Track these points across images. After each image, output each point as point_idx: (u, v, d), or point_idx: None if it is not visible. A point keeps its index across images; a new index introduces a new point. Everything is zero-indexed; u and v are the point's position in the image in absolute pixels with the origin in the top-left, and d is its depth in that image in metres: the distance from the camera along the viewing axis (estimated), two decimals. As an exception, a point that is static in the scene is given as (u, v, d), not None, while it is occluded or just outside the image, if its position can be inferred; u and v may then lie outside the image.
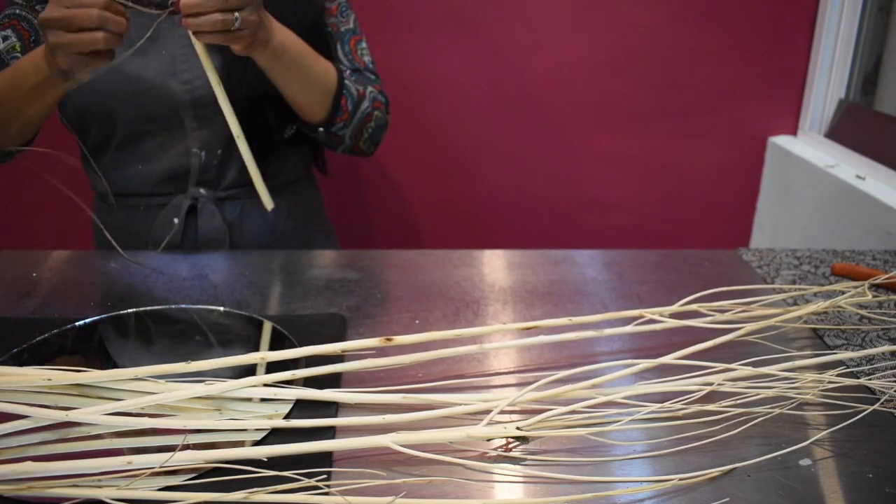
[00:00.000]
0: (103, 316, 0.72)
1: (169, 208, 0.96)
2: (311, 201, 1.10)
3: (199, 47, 0.79)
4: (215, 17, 0.75)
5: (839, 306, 0.69)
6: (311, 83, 0.91)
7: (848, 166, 1.35)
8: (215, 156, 0.96)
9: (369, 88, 1.00)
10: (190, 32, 0.77)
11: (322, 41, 0.98)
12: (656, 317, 0.65)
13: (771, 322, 0.66)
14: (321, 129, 0.96)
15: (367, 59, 1.04)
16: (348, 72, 0.99)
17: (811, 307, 0.67)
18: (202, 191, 0.97)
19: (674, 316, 0.66)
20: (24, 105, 0.83)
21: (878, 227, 1.16)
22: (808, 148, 1.49)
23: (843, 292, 0.72)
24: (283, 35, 0.85)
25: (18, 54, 0.89)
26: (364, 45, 1.04)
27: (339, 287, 0.81)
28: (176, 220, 0.96)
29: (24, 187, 1.55)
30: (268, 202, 0.86)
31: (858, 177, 1.27)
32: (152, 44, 0.91)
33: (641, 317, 0.66)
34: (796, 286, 0.80)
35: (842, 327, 0.72)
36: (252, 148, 0.87)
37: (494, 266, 0.87)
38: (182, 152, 0.95)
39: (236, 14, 0.76)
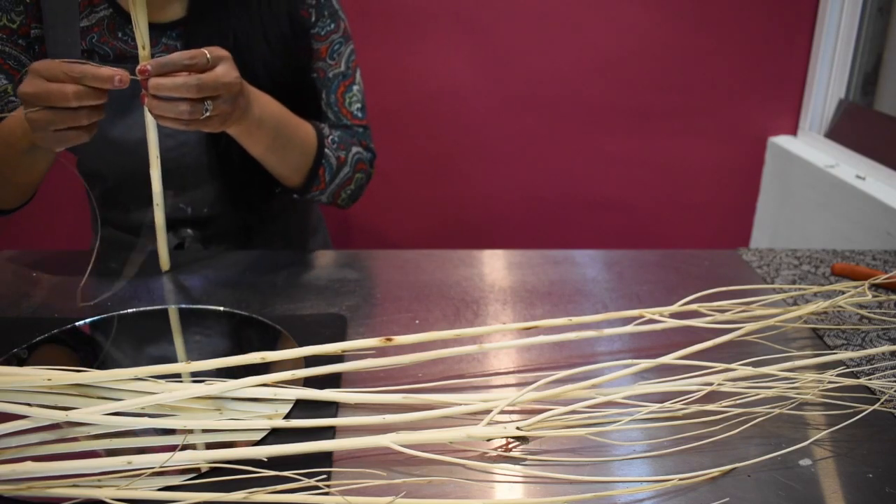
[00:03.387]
0: (103, 316, 0.72)
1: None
2: (305, 222, 1.09)
3: (148, 117, 0.72)
4: (182, 108, 0.66)
5: (839, 306, 0.69)
6: (285, 155, 0.85)
7: (848, 166, 1.35)
8: (202, 212, 0.94)
9: (353, 150, 0.93)
10: (146, 108, 0.68)
11: (309, 91, 0.93)
12: (656, 317, 0.65)
13: (771, 322, 0.66)
14: (295, 195, 0.92)
15: (355, 108, 0.96)
16: (330, 138, 0.91)
17: (811, 307, 0.67)
18: (189, 231, 0.95)
19: (674, 316, 0.66)
20: (13, 170, 0.78)
21: (878, 227, 1.16)
22: (808, 148, 1.49)
23: (843, 292, 0.72)
24: (262, 108, 0.78)
25: (13, 98, 0.84)
26: (355, 89, 0.95)
27: (339, 287, 0.81)
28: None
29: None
30: (164, 265, 0.83)
31: (858, 177, 1.27)
32: (134, 101, 0.83)
33: (641, 317, 0.66)
34: (796, 286, 0.80)
35: (842, 327, 0.72)
36: (243, 200, 0.90)
37: (494, 266, 0.87)
38: (170, 205, 0.92)
39: (207, 104, 0.67)
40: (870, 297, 0.70)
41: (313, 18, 0.91)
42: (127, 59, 0.85)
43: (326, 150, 0.90)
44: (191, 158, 0.90)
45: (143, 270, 0.84)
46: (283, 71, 0.89)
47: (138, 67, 0.65)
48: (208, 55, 0.67)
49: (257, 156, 0.84)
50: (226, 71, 0.68)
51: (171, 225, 0.94)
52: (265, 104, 0.79)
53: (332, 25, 0.92)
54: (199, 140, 0.89)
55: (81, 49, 0.84)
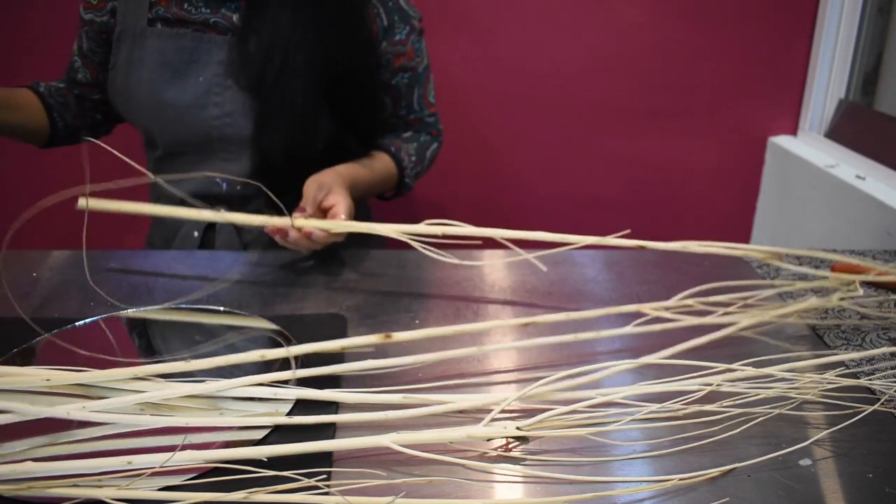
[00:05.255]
0: (103, 316, 0.72)
1: (191, 222, 0.97)
2: None
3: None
4: (316, 247, 0.80)
5: (839, 307, 0.69)
6: (367, 198, 0.99)
7: (848, 166, 1.35)
8: (235, 189, 0.97)
9: (429, 151, 1.04)
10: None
11: (373, 101, 0.99)
12: (655, 313, 0.65)
13: (769, 316, 0.66)
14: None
15: (432, 95, 1.04)
16: (410, 168, 1.00)
17: (810, 303, 0.67)
18: (223, 210, 0.96)
19: (673, 314, 0.66)
20: None
21: (878, 227, 1.16)
22: (808, 148, 1.49)
23: (839, 290, 0.72)
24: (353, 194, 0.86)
25: (76, 58, 0.98)
26: (432, 77, 1.03)
27: (339, 287, 0.81)
28: (196, 234, 0.97)
29: (24, 187, 1.55)
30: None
31: (858, 177, 1.27)
32: (190, 66, 0.92)
33: (640, 312, 0.66)
34: (796, 282, 0.80)
35: (842, 327, 0.72)
36: (278, 181, 0.91)
37: (494, 266, 0.87)
38: (206, 180, 0.96)
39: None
40: (861, 292, 0.70)
41: (385, 24, 0.96)
42: (187, 24, 0.92)
43: (406, 179, 1.00)
44: (232, 129, 0.92)
45: (144, 270, 0.84)
46: (340, 66, 0.92)
47: (304, 230, 0.77)
48: (343, 216, 0.78)
49: None
50: (348, 215, 0.79)
51: (205, 200, 0.96)
52: (356, 187, 0.88)
53: (406, 28, 0.98)
54: (243, 112, 0.91)
55: (147, 18, 0.92)
